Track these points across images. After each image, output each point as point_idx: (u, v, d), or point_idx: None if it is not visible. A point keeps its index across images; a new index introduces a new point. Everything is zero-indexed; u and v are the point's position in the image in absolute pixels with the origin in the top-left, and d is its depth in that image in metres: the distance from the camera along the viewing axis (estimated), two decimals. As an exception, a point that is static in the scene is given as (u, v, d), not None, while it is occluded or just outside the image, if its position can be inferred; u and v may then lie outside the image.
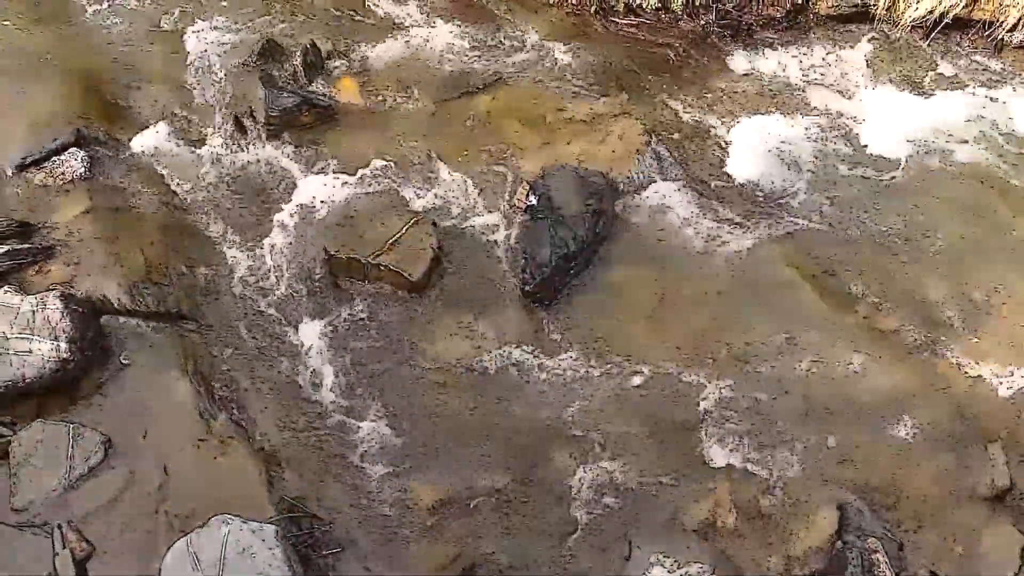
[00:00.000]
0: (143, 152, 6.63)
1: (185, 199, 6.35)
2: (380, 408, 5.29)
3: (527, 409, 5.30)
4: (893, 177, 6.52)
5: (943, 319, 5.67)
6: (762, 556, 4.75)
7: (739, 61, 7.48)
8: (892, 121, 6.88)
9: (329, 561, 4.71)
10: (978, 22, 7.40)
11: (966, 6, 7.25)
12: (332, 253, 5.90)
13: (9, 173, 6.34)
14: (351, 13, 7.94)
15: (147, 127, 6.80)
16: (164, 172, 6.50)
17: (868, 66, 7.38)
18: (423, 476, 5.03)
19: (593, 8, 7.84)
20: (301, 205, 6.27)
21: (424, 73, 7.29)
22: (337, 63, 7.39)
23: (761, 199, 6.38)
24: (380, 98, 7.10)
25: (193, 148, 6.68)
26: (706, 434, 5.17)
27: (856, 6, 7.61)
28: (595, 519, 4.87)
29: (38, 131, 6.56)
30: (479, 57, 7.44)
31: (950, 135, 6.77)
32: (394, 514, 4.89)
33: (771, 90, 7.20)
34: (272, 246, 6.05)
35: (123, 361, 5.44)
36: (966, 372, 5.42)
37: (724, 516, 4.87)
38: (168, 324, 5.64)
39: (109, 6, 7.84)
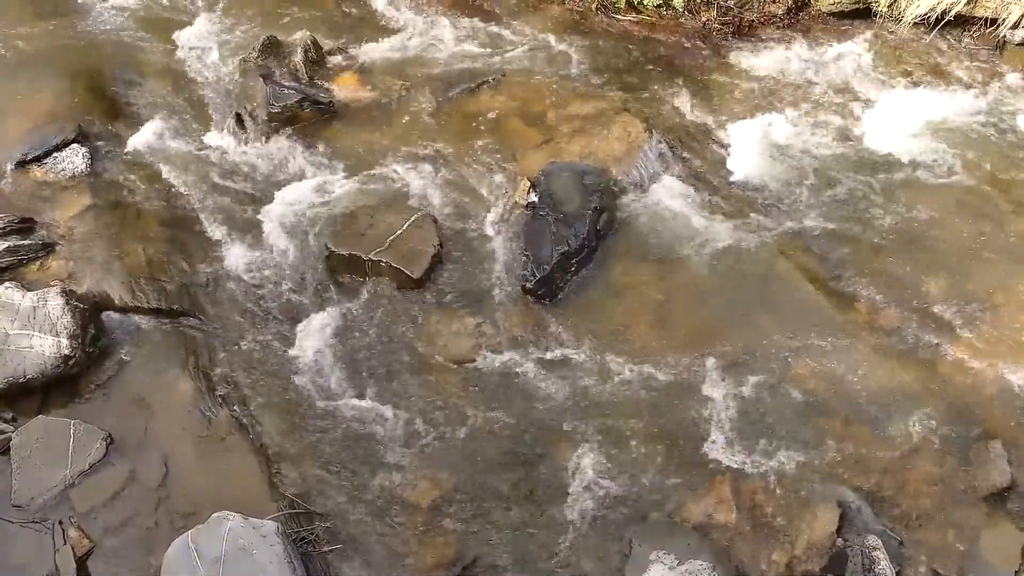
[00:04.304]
0: (144, 148, 6.65)
1: (186, 195, 6.36)
2: (380, 405, 5.29)
3: (527, 406, 5.30)
4: (894, 175, 6.51)
5: (944, 318, 5.66)
6: (763, 553, 4.75)
7: (740, 58, 7.48)
8: (893, 119, 6.86)
9: (329, 558, 4.71)
10: (980, 19, 7.39)
11: (968, 3, 7.24)
12: (333, 250, 5.90)
13: (10, 169, 6.36)
14: (352, 10, 7.95)
15: (148, 123, 6.82)
16: (165, 168, 6.51)
17: (869, 63, 7.37)
18: (423, 473, 5.03)
19: (594, 5, 7.84)
20: (301, 202, 6.28)
21: (425, 70, 7.30)
22: (338, 60, 7.39)
23: (762, 197, 6.38)
24: (381, 95, 7.10)
25: (194, 144, 6.69)
26: (707, 431, 5.16)
27: (857, 3, 7.61)
28: (595, 516, 4.87)
29: (39, 127, 6.58)
30: (480, 54, 7.44)
31: (951, 133, 6.76)
32: (394, 511, 4.89)
33: (772, 87, 7.20)
34: (273, 242, 6.05)
35: (124, 357, 5.45)
36: (967, 370, 5.42)
37: (725, 514, 4.87)
38: (169, 320, 5.65)
39: (110, 3, 7.85)
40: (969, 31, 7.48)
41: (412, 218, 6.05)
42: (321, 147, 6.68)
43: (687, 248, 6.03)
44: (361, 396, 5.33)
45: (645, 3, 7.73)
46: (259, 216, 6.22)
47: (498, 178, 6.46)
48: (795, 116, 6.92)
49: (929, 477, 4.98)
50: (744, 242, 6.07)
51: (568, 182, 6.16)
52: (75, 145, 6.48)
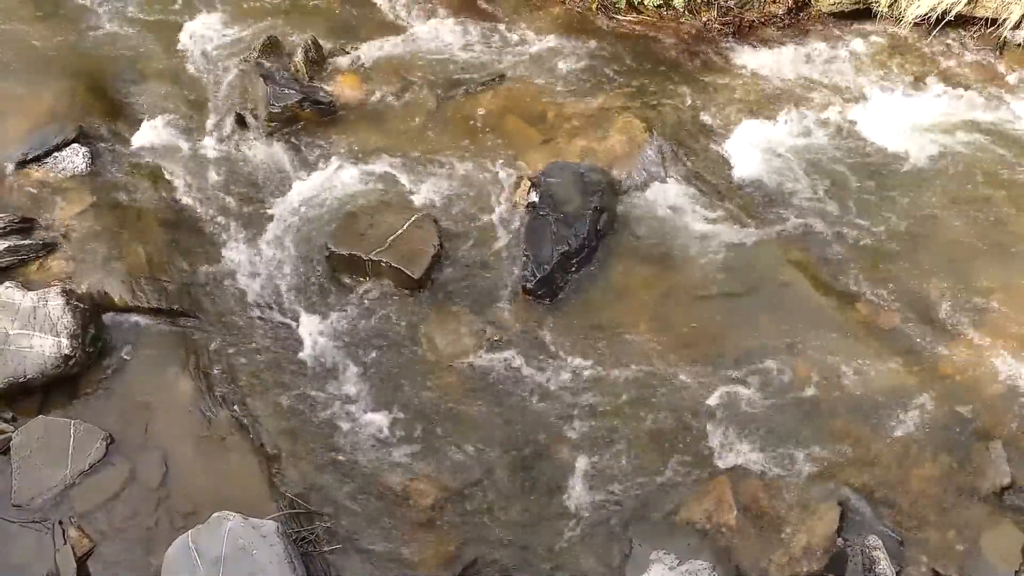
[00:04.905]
0: (144, 148, 6.65)
1: (186, 195, 6.36)
2: (381, 404, 5.29)
3: (528, 406, 5.30)
4: (894, 175, 6.51)
5: (944, 317, 5.66)
6: (763, 553, 4.75)
7: (740, 58, 7.48)
8: (893, 119, 6.86)
9: (329, 558, 4.71)
10: (980, 20, 7.39)
11: (968, 3, 7.24)
12: (333, 250, 5.90)
13: (11, 169, 6.36)
14: (353, 10, 7.95)
15: (148, 123, 6.81)
16: (165, 168, 6.51)
17: (869, 64, 7.37)
18: (423, 472, 5.03)
19: (595, 5, 7.84)
20: (302, 202, 6.28)
21: (425, 70, 7.30)
22: (338, 60, 7.39)
23: (762, 197, 6.38)
24: (381, 95, 7.10)
25: (194, 144, 6.69)
26: (707, 431, 5.16)
27: (858, 3, 7.60)
28: (596, 516, 4.87)
29: (40, 127, 6.58)
30: (480, 54, 7.44)
31: (952, 133, 6.76)
32: (395, 510, 4.89)
33: (772, 87, 7.19)
34: (273, 242, 6.05)
35: (124, 357, 5.45)
36: (967, 370, 5.42)
37: (725, 514, 4.87)
38: (169, 320, 5.65)
39: (111, 3, 7.85)
40: (969, 31, 7.48)
41: (412, 218, 6.05)
42: (321, 147, 6.68)
43: (687, 248, 6.03)
44: (361, 396, 5.33)
45: (646, 3, 7.73)
46: (259, 216, 6.22)
47: (498, 178, 6.45)
48: (795, 116, 6.91)
49: (929, 477, 4.98)
50: (744, 242, 6.06)
51: (568, 182, 6.16)
52: (75, 145, 6.48)
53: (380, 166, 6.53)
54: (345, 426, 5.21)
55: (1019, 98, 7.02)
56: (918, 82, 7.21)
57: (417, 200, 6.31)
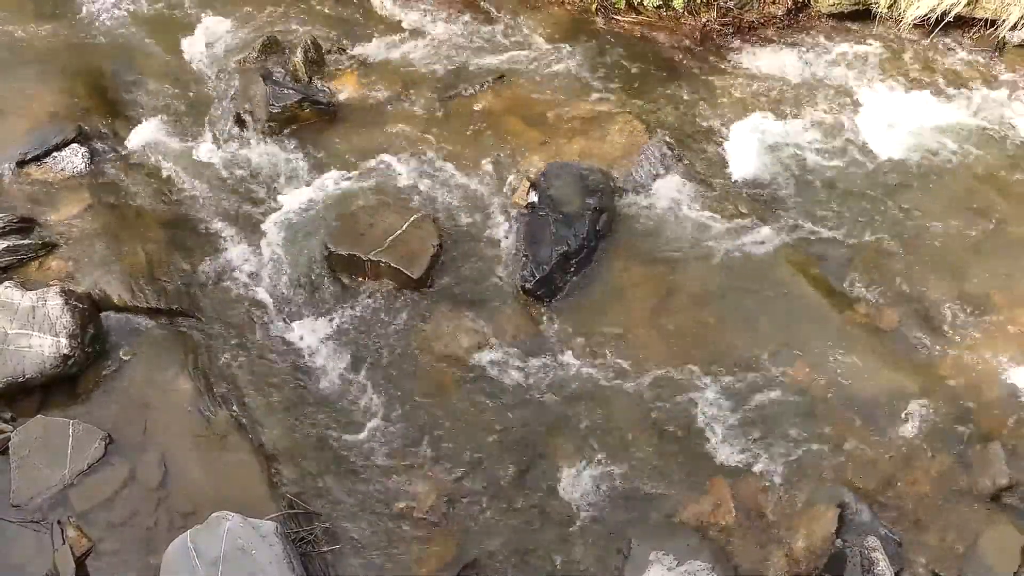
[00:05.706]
0: (144, 148, 6.65)
1: (185, 195, 6.36)
2: (380, 405, 5.30)
3: (527, 407, 5.30)
4: (893, 175, 6.51)
5: (943, 317, 5.67)
6: (762, 554, 4.75)
7: (740, 59, 7.48)
8: (893, 120, 6.87)
9: (329, 558, 4.71)
10: (980, 20, 7.39)
11: (967, 4, 7.24)
12: (333, 250, 5.90)
13: (10, 169, 6.36)
14: (352, 10, 7.95)
15: (148, 123, 6.82)
16: (164, 168, 6.51)
17: (869, 64, 7.38)
18: (423, 473, 5.03)
19: (594, 6, 7.84)
20: (301, 202, 6.27)
21: (425, 70, 7.30)
22: (338, 60, 7.39)
23: (761, 197, 6.38)
24: (381, 95, 7.10)
25: (193, 144, 6.69)
26: (706, 432, 5.16)
27: (857, 4, 7.60)
28: (595, 516, 4.87)
29: (39, 127, 6.58)
30: (480, 54, 7.44)
31: (950, 134, 6.76)
32: (394, 510, 4.89)
33: (772, 88, 7.20)
34: (272, 242, 6.05)
35: (123, 357, 5.45)
36: (966, 370, 5.42)
37: (724, 514, 4.87)
38: (168, 320, 5.65)
39: (111, 3, 7.85)
40: (969, 32, 7.49)
41: (412, 218, 6.05)
42: (321, 147, 6.68)
43: (686, 248, 6.04)
44: (361, 396, 5.33)
45: (645, 4, 7.74)
46: (259, 216, 6.22)
47: (498, 178, 6.45)
48: (795, 117, 6.92)
49: (928, 478, 4.98)
50: (743, 242, 6.06)
51: (568, 182, 6.16)
52: (75, 145, 6.49)
53: (380, 166, 6.53)
54: (344, 425, 5.21)
55: (1018, 98, 7.02)
56: (917, 83, 7.21)
57: (417, 200, 6.32)
